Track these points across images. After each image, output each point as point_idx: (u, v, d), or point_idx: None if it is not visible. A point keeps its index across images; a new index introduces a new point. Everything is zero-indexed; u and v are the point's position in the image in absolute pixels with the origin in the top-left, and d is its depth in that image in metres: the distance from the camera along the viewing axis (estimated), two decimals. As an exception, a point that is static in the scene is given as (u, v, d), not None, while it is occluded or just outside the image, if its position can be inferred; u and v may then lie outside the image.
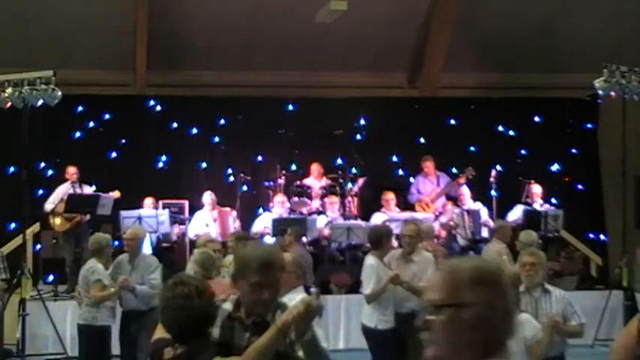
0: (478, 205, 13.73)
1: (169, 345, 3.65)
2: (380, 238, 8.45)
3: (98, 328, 8.54)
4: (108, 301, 8.58)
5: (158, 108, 15.05)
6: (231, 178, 14.75)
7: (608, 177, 15.54)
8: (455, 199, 13.96)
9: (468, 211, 13.47)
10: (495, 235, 10.67)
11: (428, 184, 14.18)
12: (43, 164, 14.15)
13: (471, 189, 13.97)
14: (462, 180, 13.87)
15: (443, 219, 13.57)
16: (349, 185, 14.03)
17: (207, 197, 13.41)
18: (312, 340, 3.71)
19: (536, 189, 13.79)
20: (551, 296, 6.54)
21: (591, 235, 15.35)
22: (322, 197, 13.65)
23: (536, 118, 15.93)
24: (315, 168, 14.09)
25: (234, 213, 13.53)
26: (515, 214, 13.41)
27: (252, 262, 3.82)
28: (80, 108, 14.69)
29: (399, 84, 16.39)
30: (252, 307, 3.78)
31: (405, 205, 14.00)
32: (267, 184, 14.50)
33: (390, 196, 13.58)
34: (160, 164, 14.97)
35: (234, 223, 13.36)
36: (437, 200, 14.03)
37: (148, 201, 13.16)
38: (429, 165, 14.22)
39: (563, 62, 15.78)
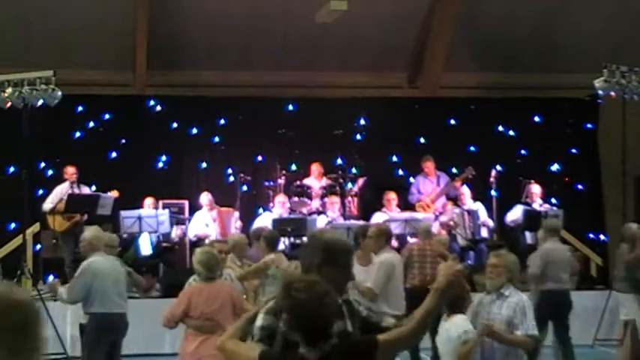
0: (477, 205, 13.72)
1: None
2: (356, 238, 8.53)
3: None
4: None
5: (158, 108, 15.04)
6: (231, 178, 14.75)
7: (608, 177, 15.53)
8: (455, 199, 13.96)
9: (469, 211, 13.46)
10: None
11: (428, 184, 14.17)
12: (43, 164, 14.15)
13: (471, 189, 13.96)
14: (458, 183, 13.85)
15: (443, 218, 13.56)
16: (349, 185, 14.03)
17: (205, 198, 13.42)
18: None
19: (536, 189, 13.78)
20: (505, 301, 6.26)
21: (591, 235, 15.35)
22: (322, 197, 13.65)
23: (536, 118, 15.93)
24: (315, 168, 14.08)
25: (237, 214, 13.51)
26: (515, 213, 13.41)
27: (341, 245, 3.99)
28: (80, 108, 14.69)
29: (399, 84, 16.39)
30: (340, 289, 3.86)
31: (404, 205, 13.99)
32: (267, 184, 14.50)
33: (391, 196, 13.57)
34: (160, 164, 14.97)
35: (235, 224, 13.35)
36: (437, 200, 14.02)
37: (148, 201, 13.16)
38: (429, 165, 14.20)
39: (563, 62, 15.78)
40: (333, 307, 3.56)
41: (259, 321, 3.81)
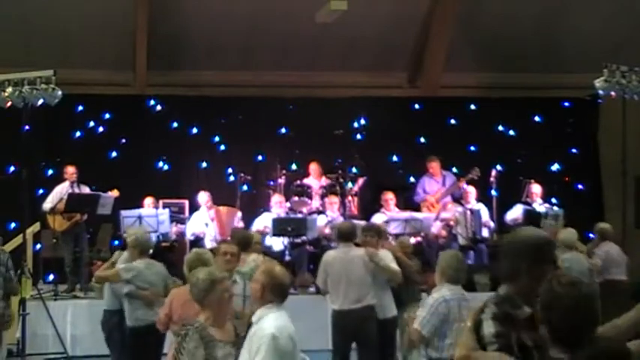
0: (479, 206, 13.69)
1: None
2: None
3: None
4: None
5: (158, 108, 15.05)
6: (231, 178, 14.76)
7: (608, 177, 15.53)
8: (459, 198, 13.92)
9: (471, 211, 13.41)
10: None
11: (434, 184, 14.10)
12: (43, 164, 14.15)
13: (472, 189, 13.95)
14: (462, 183, 13.81)
15: (444, 215, 13.52)
16: (349, 185, 14.02)
17: (203, 197, 13.38)
18: None
19: (536, 189, 13.76)
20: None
21: (591, 235, 15.32)
22: (322, 197, 13.64)
23: (537, 118, 15.94)
24: (314, 168, 14.07)
25: (240, 214, 13.48)
26: (515, 212, 13.39)
27: (547, 240, 3.74)
28: (80, 108, 14.70)
29: (399, 84, 16.38)
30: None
31: (405, 204, 13.98)
32: (267, 183, 14.48)
33: (389, 196, 13.53)
34: (160, 164, 14.97)
35: (238, 224, 13.34)
36: (442, 200, 13.98)
37: (148, 201, 13.15)
38: (434, 165, 14.14)
39: (563, 62, 15.78)
40: (584, 313, 3.25)
41: (490, 328, 3.55)
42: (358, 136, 15.30)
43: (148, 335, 8.03)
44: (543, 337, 3.39)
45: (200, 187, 14.05)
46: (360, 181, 14.07)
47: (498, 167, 14.68)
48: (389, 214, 13.12)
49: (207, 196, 13.40)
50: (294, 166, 14.62)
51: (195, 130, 15.03)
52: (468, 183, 13.84)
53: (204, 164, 15.02)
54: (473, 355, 3.58)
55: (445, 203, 13.90)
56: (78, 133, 14.67)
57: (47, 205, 12.45)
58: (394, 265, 8.56)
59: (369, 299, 8.40)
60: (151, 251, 12.57)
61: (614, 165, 13.85)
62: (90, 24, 14.35)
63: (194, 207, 13.52)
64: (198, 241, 13.05)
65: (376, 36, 15.24)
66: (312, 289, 11.78)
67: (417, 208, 13.84)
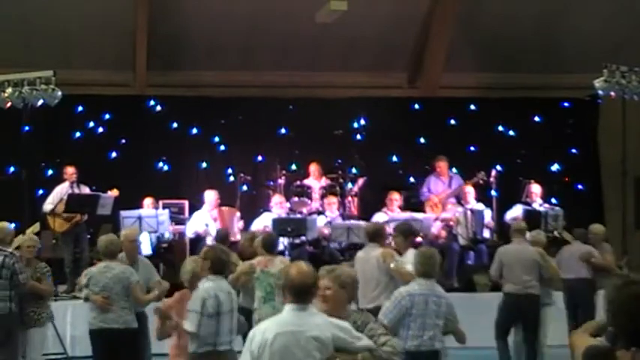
0: (482, 207, 13.65)
1: (613, 351, 3.34)
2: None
3: None
4: None
5: (158, 108, 15.06)
6: (231, 178, 14.76)
7: (608, 177, 15.53)
8: (459, 199, 13.89)
9: (472, 211, 13.39)
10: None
11: (440, 185, 14.05)
12: (42, 164, 14.15)
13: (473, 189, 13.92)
14: (466, 187, 13.73)
15: (444, 215, 13.50)
16: (349, 185, 14.01)
17: (212, 195, 13.32)
18: None
19: (536, 189, 13.74)
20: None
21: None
22: (322, 197, 13.64)
23: (536, 118, 15.94)
24: (313, 168, 14.06)
25: (238, 214, 13.48)
26: (515, 212, 13.37)
27: None
28: (80, 108, 14.71)
29: (399, 84, 16.39)
30: None
31: (404, 205, 13.97)
32: (267, 183, 14.48)
33: (394, 197, 13.48)
34: (160, 164, 14.97)
35: (237, 223, 13.34)
36: (446, 201, 13.93)
37: (148, 201, 13.13)
38: (441, 165, 14.09)
39: (563, 62, 15.78)
40: None
41: None
42: (358, 137, 15.30)
43: (98, 339, 8.09)
44: None
45: (201, 188, 14.04)
46: (360, 181, 14.07)
47: (498, 167, 14.67)
48: (390, 214, 13.11)
49: (215, 195, 13.35)
50: (294, 167, 14.62)
51: (195, 131, 15.03)
52: (474, 186, 13.80)
53: (204, 165, 15.02)
54: (575, 334, 3.87)
55: (445, 203, 13.88)
56: (78, 134, 14.67)
57: (48, 206, 12.45)
58: (410, 267, 8.47)
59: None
60: (150, 252, 12.62)
61: (614, 165, 13.87)
62: (90, 24, 14.36)
63: (194, 207, 13.50)
64: (199, 241, 13.05)
65: (376, 36, 15.24)
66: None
67: (416, 208, 13.82)
